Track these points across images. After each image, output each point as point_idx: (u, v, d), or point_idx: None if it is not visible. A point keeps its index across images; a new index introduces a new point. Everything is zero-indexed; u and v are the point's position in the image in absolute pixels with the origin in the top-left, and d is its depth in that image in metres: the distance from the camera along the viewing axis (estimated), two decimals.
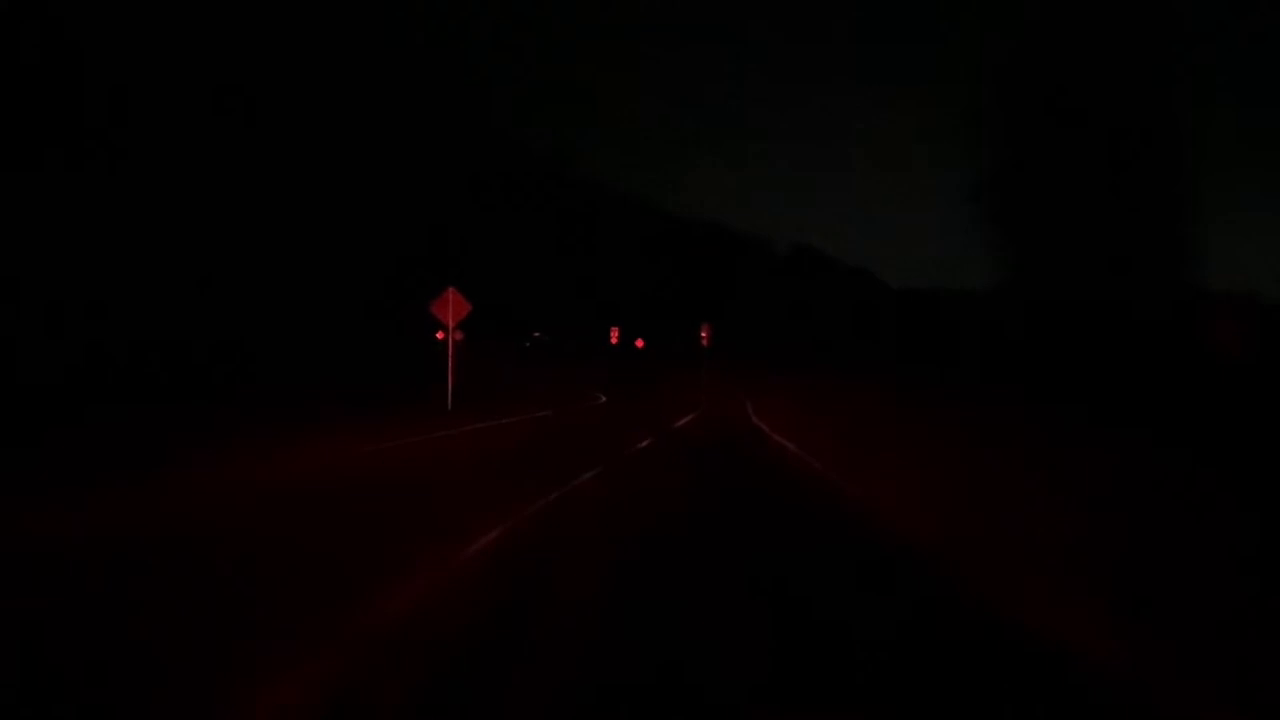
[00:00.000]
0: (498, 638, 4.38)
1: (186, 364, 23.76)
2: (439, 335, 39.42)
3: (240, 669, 3.78)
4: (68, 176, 22.85)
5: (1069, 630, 4.53)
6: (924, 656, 4.22)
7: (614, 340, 77.35)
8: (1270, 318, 25.70)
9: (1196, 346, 22.07)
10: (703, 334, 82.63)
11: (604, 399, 36.00)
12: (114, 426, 15.09)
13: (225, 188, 30.33)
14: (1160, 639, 4.51)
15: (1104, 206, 22.64)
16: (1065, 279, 23.72)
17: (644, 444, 15.80)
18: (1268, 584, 5.66)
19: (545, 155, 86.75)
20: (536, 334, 78.86)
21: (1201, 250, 22.55)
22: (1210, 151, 47.20)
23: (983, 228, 26.04)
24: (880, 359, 59.72)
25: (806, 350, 74.85)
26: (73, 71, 23.13)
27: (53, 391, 17.71)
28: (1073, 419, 18.44)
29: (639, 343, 76.86)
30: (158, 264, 26.23)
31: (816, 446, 15.51)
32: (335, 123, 43.52)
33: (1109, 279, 22.84)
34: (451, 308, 23.37)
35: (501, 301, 52.18)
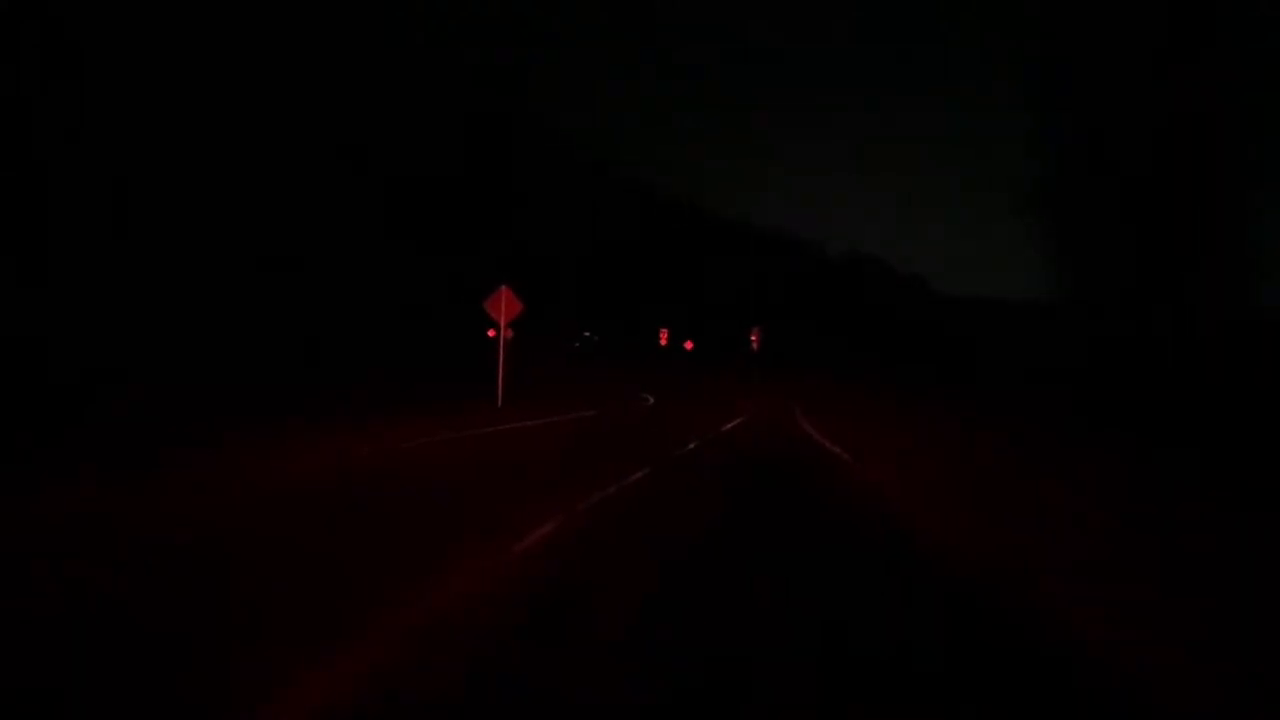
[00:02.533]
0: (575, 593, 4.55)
1: (236, 362, 24.24)
2: (490, 333, 39.76)
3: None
4: (67, 158, 23.29)
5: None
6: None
7: (663, 342, 77.61)
8: None
9: (1250, 367, 21.53)
10: (753, 337, 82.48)
11: (652, 400, 36.07)
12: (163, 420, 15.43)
13: (265, 181, 30.75)
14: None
15: (1157, 222, 22.20)
16: (1116, 293, 23.29)
17: (691, 446, 15.84)
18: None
19: (596, 156, 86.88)
20: (586, 334, 79.19)
21: (1261, 268, 21.98)
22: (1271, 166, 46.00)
23: (1034, 240, 25.64)
24: (929, 367, 59.05)
25: (855, 356, 74.24)
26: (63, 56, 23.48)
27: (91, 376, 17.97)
28: (1116, 436, 18.13)
29: (688, 345, 76.96)
30: (191, 257, 26.68)
31: (862, 453, 15.44)
32: (386, 121, 44.06)
33: (1160, 295, 22.39)
34: (504, 306, 23.62)
35: (552, 301, 52.42)
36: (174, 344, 23.45)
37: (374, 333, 36.32)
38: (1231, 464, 13.76)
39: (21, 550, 5.91)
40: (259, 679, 3.56)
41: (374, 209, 40.68)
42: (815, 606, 5.19)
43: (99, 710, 3.32)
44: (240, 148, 30.07)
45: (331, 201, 36.02)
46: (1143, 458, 15.39)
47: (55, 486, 8.20)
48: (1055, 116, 24.25)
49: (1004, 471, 13.43)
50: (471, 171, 55.18)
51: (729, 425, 22.59)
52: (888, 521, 8.64)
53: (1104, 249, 23.41)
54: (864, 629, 4.72)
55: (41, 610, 4.48)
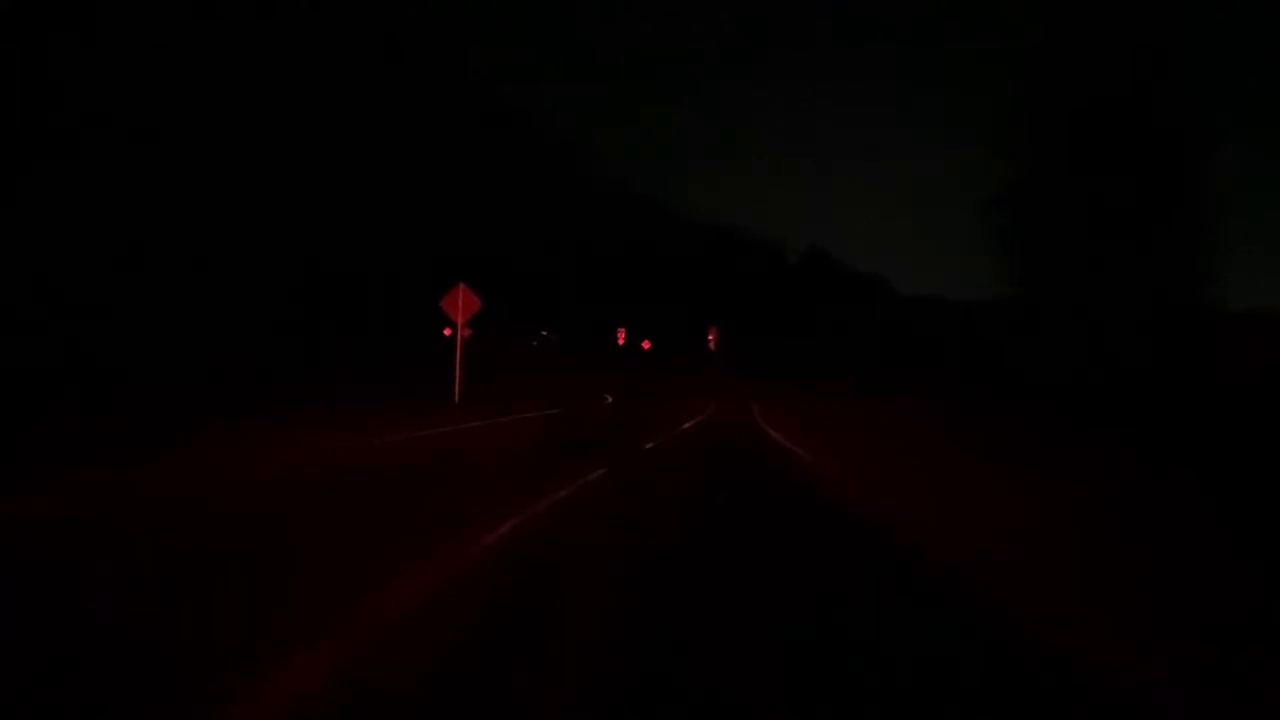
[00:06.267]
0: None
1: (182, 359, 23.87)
2: (446, 332, 39.39)
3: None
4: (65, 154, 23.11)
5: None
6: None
7: (621, 341, 77.49)
8: None
9: (1210, 363, 21.95)
10: (710, 337, 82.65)
11: (610, 399, 35.98)
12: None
13: (229, 179, 30.30)
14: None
15: (1119, 221, 22.53)
16: (1075, 292, 23.62)
17: (648, 446, 15.75)
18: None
19: (556, 151, 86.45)
20: (544, 333, 78.85)
21: (1220, 266, 22.45)
22: (1231, 167, 47.30)
23: (994, 238, 25.94)
24: (887, 367, 59.55)
25: (813, 354, 74.73)
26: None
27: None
28: (1071, 429, 18.38)
29: (646, 344, 76.88)
30: (156, 254, 26.29)
31: (814, 449, 15.46)
32: (350, 118, 43.50)
33: (1120, 293, 22.73)
34: (461, 304, 23.39)
35: (510, 299, 52.09)
36: (120, 345, 23.02)
37: (325, 332, 35.76)
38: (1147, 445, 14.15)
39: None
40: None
41: (358, 211, 40.27)
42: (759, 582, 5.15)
43: None
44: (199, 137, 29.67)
45: (317, 202, 35.61)
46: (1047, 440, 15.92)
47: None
48: (1031, 121, 24.52)
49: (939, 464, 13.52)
50: (429, 167, 54.60)
51: (687, 425, 22.54)
52: (838, 515, 8.62)
53: (1068, 249, 23.71)
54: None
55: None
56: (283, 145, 35.27)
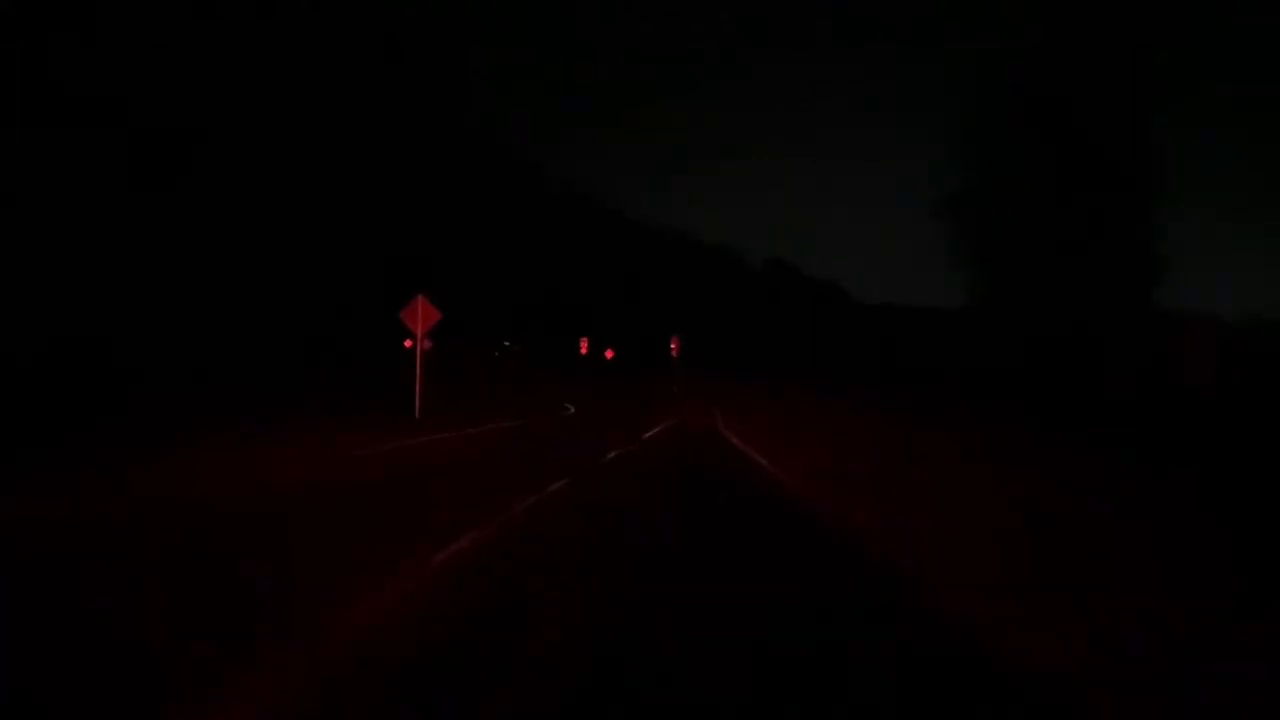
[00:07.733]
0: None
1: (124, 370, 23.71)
2: (407, 344, 39.17)
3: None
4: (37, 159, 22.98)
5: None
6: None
7: (584, 351, 77.32)
8: (1233, 339, 26.25)
9: (1161, 367, 22.46)
10: (672, 346, 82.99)
11: (573, 410, 35.94)
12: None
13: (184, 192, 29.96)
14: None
15: (1073, 226, 22.98)
16: (1032, 297, 24.03)
17: (611, 455, 15.81)
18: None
19: (516, 160, 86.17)
20: (506, 343, 78.52)
21: (1170, 270, 22.97)
22: (1180, 174, 48.33)
23: (951, 245, 26.35)
24: (846, 374, 60.06)
25: (776, 363, 75.18)
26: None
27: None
28: (1029, 433, 18.75)
29: (608, 353, 76.86)
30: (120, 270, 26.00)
31: (771, 451, 15.60)
32: (305, 130, 43.08)
33: (1077, 298, 23.17)
34: (420, 316, 23.31)
35: (471, 310, 51.89)
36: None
37: (284, 345, 35.36)
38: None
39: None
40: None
41: (313, 220, 39.76)
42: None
43: None
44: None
45: (274, 212, 35.20)
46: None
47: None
48: (986, 129, 24.93)
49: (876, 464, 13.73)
50: (398, 181, 54.03)
51: (650, 433, 22.61)
52: (787, 503, 8.75)
53: (1018, 254, 24.11)
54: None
55: None
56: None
